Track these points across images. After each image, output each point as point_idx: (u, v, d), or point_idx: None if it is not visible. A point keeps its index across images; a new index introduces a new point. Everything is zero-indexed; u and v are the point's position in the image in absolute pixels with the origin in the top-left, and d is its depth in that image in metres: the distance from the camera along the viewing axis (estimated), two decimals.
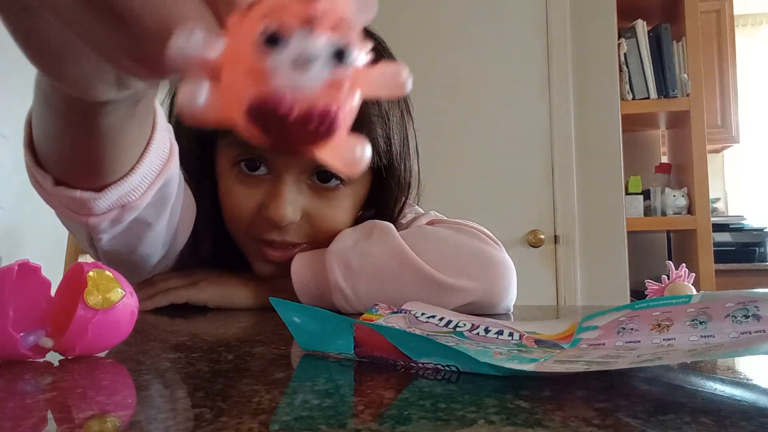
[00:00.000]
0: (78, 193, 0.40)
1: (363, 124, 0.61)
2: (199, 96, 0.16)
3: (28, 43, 0.24)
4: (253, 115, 0.16)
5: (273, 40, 0.16)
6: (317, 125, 0.16)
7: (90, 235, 0.46)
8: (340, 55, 0.16)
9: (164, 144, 0.43)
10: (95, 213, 0.42)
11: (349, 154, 0.18)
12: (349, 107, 0.17)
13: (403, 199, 0.70)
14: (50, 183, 0.40)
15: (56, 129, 0.36)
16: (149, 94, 0.35)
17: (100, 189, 0.40)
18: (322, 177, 0.63)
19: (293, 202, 0.61)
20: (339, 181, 0.63)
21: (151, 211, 0.47)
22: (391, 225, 0.63)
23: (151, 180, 0.43)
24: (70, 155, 0.38)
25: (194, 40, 0.16)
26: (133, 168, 0.40)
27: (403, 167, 0.67)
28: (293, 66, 0.16)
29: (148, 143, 0.40)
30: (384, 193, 0.68)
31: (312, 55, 0.16)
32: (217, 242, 0.67)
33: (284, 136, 0.16)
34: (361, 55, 0.17)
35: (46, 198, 0.42)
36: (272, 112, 0.16)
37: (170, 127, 0.45)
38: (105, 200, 0.40)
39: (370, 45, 0.17)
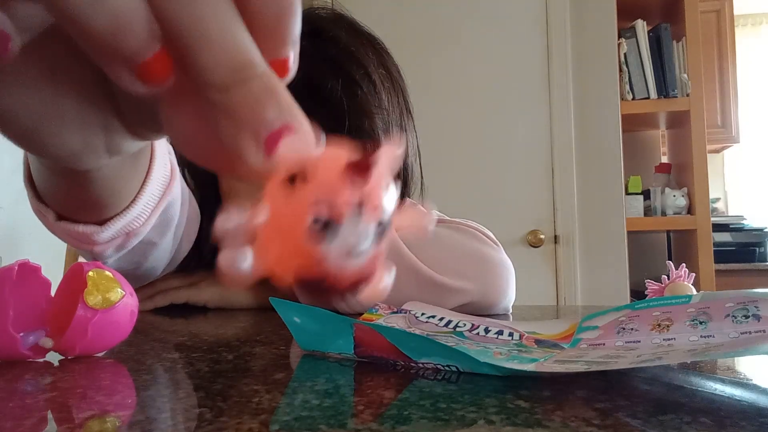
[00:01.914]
0: (80, 228, 0.39)
1: (364, 118, 0.61)
2: (242, 263, 0.16)
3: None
4: (302, 285, 0.17)
5: (325, 224, 0.16)
6: (358, 285, 0.18)
7: (94, 258, 0.46)
8: (380, 227, 0.17)
9: (165, 168, 0.42)
10: (99, 243, 0.41)
11: (381, 285, 0.19)
12: (384, 256, 0.18)
13: (405, 197, 0.70)
14: (52, 217, 0.39)
15: (49, 180, 0.35)
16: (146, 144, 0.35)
17: (102, 222, 0.39)
18: None
19: None
20: None
21: (155, 233, 0.46)
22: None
23: (154, 206, 0.42)
24: (67, 200, 0.37)
25: (237, 219, 0.16)
26: (134, 199, 0.40)
27: (404, 164, 0.68)
28: (344, 252, 0.16)
29: (148, 173, 0.39)
30: None
31: (362, 240, 0.17)
32: None
33: (328, 298, 0.18)
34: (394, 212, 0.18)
35: (49, 228, 0.42)
36: (320, 283, 0.17)
37: (170, 148, 0.44)
38: (108, 232, 0.40)
39: (396, 195, 0.18)
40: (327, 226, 0.16)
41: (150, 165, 0.39)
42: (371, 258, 0.17)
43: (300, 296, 0.16)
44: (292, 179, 0.16)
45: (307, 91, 0.58)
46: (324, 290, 0.17)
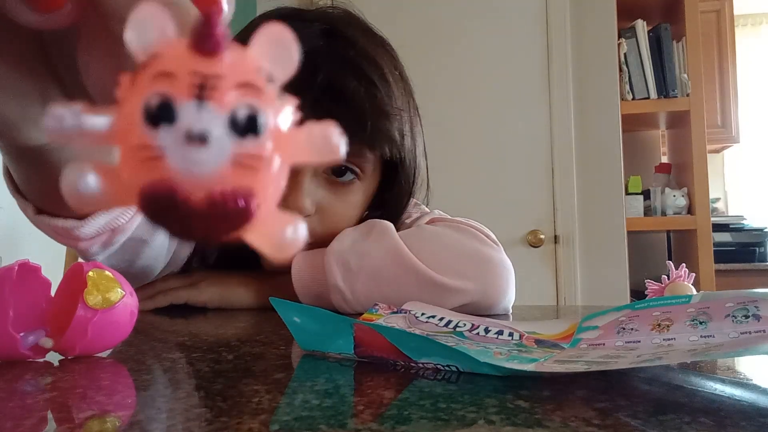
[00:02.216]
0: (60, 222, 0.38)
1: (384, 119, 0.62)
2: (83, 183, 0.14)
3: None
4: (147, 204, 0.13)
5: (162, 112, 0.13)
6: (225, 213, 0.13)
7: (83, 255, 0.45)
8: (244, 123, 0.13)
9: None
10: (82, 238, 0.41)
11: (279, 235, 0.15)
12: (268, 182, 0.14)
13: (410, 198, 0.71)
14: (31, 211, 0.38)
15: (17, 169, 0.34)
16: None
17: (83, 217, 0.38)
18: (337, 171, 0.63)
19: (311, 194, 0.61)
20: (353, 176, 0.63)
21: (145, 230, 0.46)
22: (391, 225, 0.63)
23: None
24: (39, 189, 0.36)
25: (70, 115, 0.14)
26: None
27: (413, 165, 0.68)
28: (186, 143, 0.13)
29: None
30: (392, 190, 0.69)
31: (204, 129, 0.13)
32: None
33: (186, 227, 0.14)
34: (280, 118, 0.14)
35: (32, 222, 0.41)
36: (168, 200, 0.13)
37: None
38: (90, 227, 0.39)
39: (291, 102, 0.15)
40: (165, 111, 0.13)
41: None
42: (235, 166, 0.13)
43: (150, 218, 0.14)
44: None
45: (330, 93, 0.59)
46: (173, 206, 0.13)
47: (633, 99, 1.86)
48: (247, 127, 0.13)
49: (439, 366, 0.29)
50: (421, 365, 0.29)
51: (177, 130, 0.13)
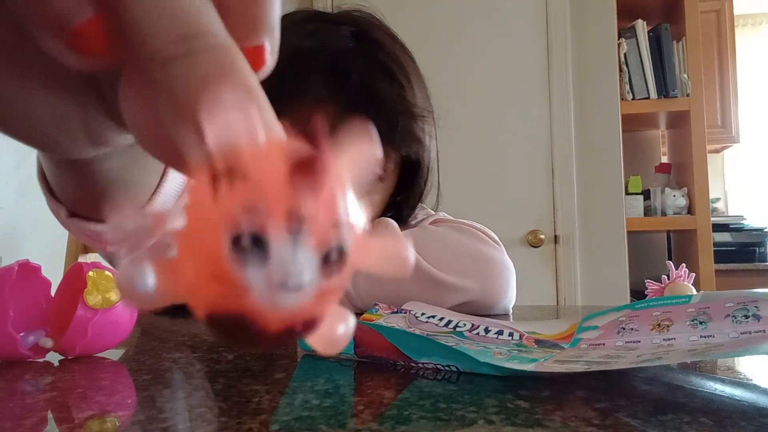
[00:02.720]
0: (92, 226, 0.39)
1: (412, 121, 0.64)
2: (141, 281, 0.13)
3: None
4: (213, 325, 0.13)
5: (253, 248, 0.12)
6: (296, 333, 0.13)
7: (109, 258, 0.46)
8: (334, 257, 0.12)
9: None
10: (112, 243, 0.41)
11: (331, 333, 0.15)
12: (336, 297, 0.13)
13: (421, 200, 0.72)
14: (64, 215, 0.39)
15: (54, 173, 0.34)
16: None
17: None
18: None
19: None
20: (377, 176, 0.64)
21: (171, 234, 0.46)
22: (395, 223, 0.63)
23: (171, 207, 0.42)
24: (75, 195, 0.37)
25: (136, 220, 0.13)
26: (150, 198, 0.39)
27: (429, 167, 0.70)
28: (274, 284, 0.12)
29: (166, 169, 0.38)
30: (407, 192, 0.70)
31: (300, 272, 0.12)
32: None
33: (253, 344, 0.13)
34: (358, 235, 0.13)
35: (63, 225, 0.41)
36: (240, 327, 0.12)
37: None
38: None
39: (366, 210, 0.14)
40: (254, 245, 0.12)
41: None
42: (316, 299, 0.12)
43: (214, 335, 0.14)
44: (225, 178, 0.12)
45: (363, 94, 0.60)
46: (243, 332, 0.12)
47: (633, 99, 1.87)
48: (335, 267, 0.13)
49: (439, 366, 0.29)
50: (421, 365, 0.29)
51: (269, 275, 0.12)
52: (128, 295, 0.13)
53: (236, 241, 0.12)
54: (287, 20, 0.68)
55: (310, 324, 0.13)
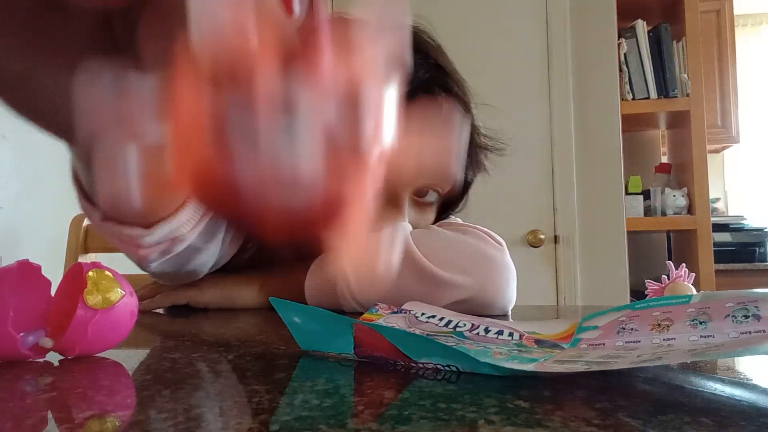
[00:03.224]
0: (126, 230, 0.39)
1: (474, 133, 0.67)
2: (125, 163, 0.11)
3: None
4: (202, 192, 0.10)
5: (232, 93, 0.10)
6: (309, 216, 0.10)
7: (140, 261, 0.46)
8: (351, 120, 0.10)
9: None
10: (144, 246, 0.41)
11: (371, 265, 0.12)
12: (366, 197, 0.11)
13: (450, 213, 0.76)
14: (98, 217, 0.39)
15: (87, 174, 0.34)
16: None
17: (149, 225, 0.39)
18: (419, 192, 0.67)
19: (408, 216, 0.65)
20: (435, 196, 0.68)
21: (201, 239, 0.46)
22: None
23: (202, 212, 0.42)
24: (110, 197, 0.37)
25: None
26: (183, 203, 0.39)
27: (467, 180, 0.73)
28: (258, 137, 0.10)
29: None
30: (449, 207, 0.74)
31: (293, 132, 0.10)
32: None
33: (242, 222, 0.11)
34: (387, 119, 0.11)
35: (97, 229, 0.41)
36: (226, 185, 0.10)
37: None
38: (154, 236, 0.40)
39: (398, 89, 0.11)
40: (234, 96, 0.10)
41: None
42: (330, 178, 0.10)
43: (214, 213, 0.12)
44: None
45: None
46: (236, 210, 0.10)
47: (633, 99, 1.87)
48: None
49: (439, 366, 0.29)
50: (421, 365, 0.29)
51: (250, 126, 0.10)
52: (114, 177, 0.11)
53: (217, 90, 0.10)
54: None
55: (329, 215, 0.10)
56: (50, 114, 0.21)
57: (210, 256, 0.52)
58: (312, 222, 0.11)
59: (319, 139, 0.10)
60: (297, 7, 0.15)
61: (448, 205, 0.74)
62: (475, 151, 0.68)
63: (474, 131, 0.68)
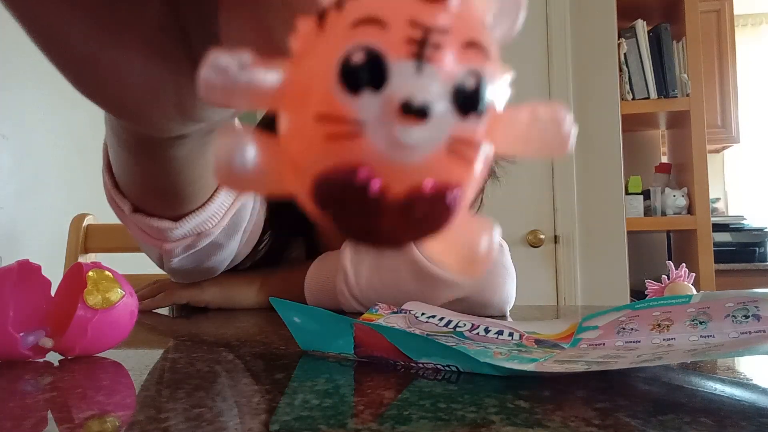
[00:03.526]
0: (155, 222, 0.39)
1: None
2: (240, 156, 0.10)
3: (76, 75, 0.20)
4: (322, 194, 0.10)
5: (368, 72, 0.09)
6: (425, 213, 0.10)
7: (162, 256, 0.46)
8: (469, 98, 0.10)
9: None
10: (170, 240, 0.41)
11: (470, 247, 0.12)
12: (476, 176, 0.11)
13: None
14: (128, 208, 0.39)
15: (127, 162, 0.34)
16: (224, 121, 0.29)
17: (177, 218, 0.39)
18: None
19: None
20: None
21: (224, 235, 0.46)
22: None
23: (227, 207, 0.42)
24: (144, 186, 0.36)
25: (236, 67, 0.10)
26: (211, 197, 0.39)
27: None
28: (393, 119, 0.09)
29: None
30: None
31: (427, 101, 0.09)
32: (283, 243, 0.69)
33: (371, 228, 0.10)
34: (500, 91, 0.11)
35: (122, 220, 0.41)
36: (353, 192, 0.10)
37: None
38: (182, 229, 0.40)
39: (509, 71, 0.11)
40: (368, 72, 0.09)
41: None
42: (450, 152, 0.10)
43: (324, 217, 0.11)
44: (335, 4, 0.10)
45: None
46: (359, 202, 0.10)
47: (633, 99, 1.87)
48: (471, 102, 0.10)
49: (439, 366, 0.29)
50: (421, 365, 0.29)
51: (388, 99, 0.09)
52: (224, 173, 0.10)
53: (348, 64, 0.09)
54: None
55: (443, 194, 0.10)
56: (116, 96, 0.21)
57: (229, 253, 0.53)
58: (428, 221, 0.10)
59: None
60: None
61: None
62: None
63: None
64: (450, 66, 0.10)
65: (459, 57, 0.10)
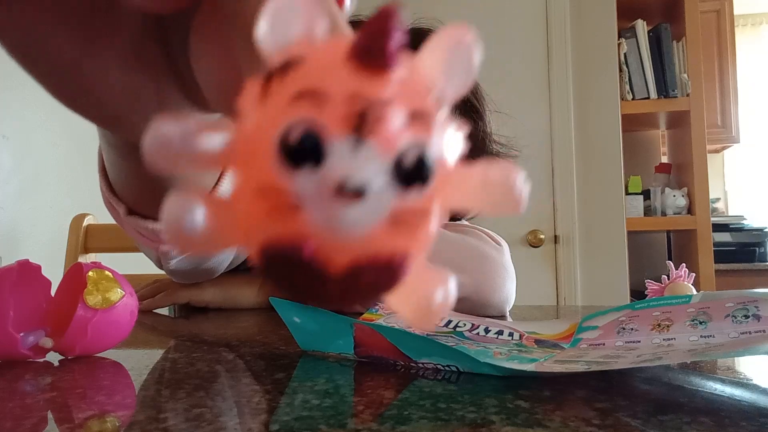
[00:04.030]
0: (151, 224, 0.39)
1: (488, 151, 0.67)
2: (190, 219, 0.10)
3: (56, 87, 0.20)
4: (267, 261, 0.10)
5: (306, 149, 0.09)
6: (371, 281, 0.10)
7: (159, 258, 0.46)
8: (411, 170, 0.10)
9: None
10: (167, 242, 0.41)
11: (425, 298, 0.12)
12: (427, 238, 0.11)
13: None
14: (123, 211, 0.39)
15: (120, 165, 0.34)
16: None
17: None
18: None
19: None
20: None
21: None
22: None
23: None
24: (138, 189, 0.36)
25: (179, 137, 0.10)
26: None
27: None
28: (331, 198, 0.09)
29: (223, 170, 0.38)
30: None
31: (364, 180, 0.09)
32: None
33: (316, 294, 0.11)
34: (449, 154, 0.11)
35: (119, 223, 0.41)
36: (297, 263, 0.10)
37: None
38: None
39: (462, 129, 0.11)
40: (307, 144, 0.09)
41: None
42: (393, 225, 0.10)
43: (272, 283, 0.11)
44: (278, 72, 0.10)
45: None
46: (303, 273, 0.10)
47: (633, 99, 1.87)
48: (414, 174, 0.10)
49: (439, 366, 0.29)
50: (421, 365, 0.29)
51: (324, 177, 0.09)
52: (173, 235, 0.11)
53: (286, 141, 0.09)
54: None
55: (388, 265, 0.10)
56: (96, 105, 0.21)
57: (228, 254, 0.53)
58: (373, 287, 0.11)
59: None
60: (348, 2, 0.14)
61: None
62: (488, 158, 0.68)
63: (486, 138, 0.67)
64: (391, 140, 0.10)
65: (401, 129, 0.10)
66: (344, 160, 0.09)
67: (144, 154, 0.10)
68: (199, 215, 0.10)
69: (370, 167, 0.10)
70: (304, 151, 0.09)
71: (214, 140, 0.10)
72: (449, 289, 0.12)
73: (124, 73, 0.20)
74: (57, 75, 0.19)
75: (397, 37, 0.10)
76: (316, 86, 0.10)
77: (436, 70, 0.11)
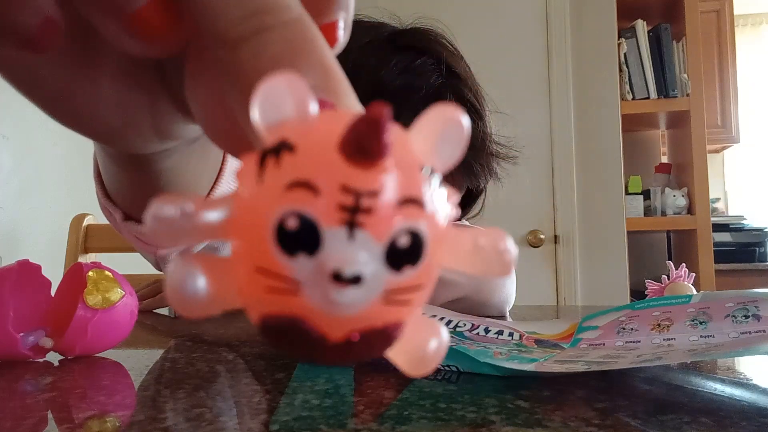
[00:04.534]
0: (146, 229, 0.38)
1: (489, 152, 0.68)
2: (192, 285, 0.11)
3: (42, 101, 0.20)
4: (266, 331, 0.11)
5: (302, 238, 0.10)
6: (366, 347, 0.11)
7: (157, 261, 0.46)
8: (403, 255, 0.10)
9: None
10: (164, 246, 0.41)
11: (420, 350, 0.12)
12: (419, 304, 0.12)
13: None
14: (119, 217, 0.39)
15: (115, 173, 0.33)
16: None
17: None
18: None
19: None
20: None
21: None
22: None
23: None
24: (133, 195, 0.36)
25: (180, 217, 0.11)
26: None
27: (480, 188, 0.73)
28: (327, 283, 0.10)
29: (220, 172, 0.36)
30: (464, 212, 0.74)
31: (358, 269, 0.10)
32: None
33: (315, 360, 0.11)
34: (441, 224, 0.11)
35: (116, 229, 0.41)
36: (295, 335, 0.11)
37: None
38: None
39: (452, 198, 0.12)
40: (303, 230, 0.10)
41: (222, 164, 0.36)
42: (387, 300, 0.11)
43: (270, 344, 0.12)
44: (273, 156, 0.10)
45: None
46: (300, 340, 0.11)
47: (633, 99, 1.87)
48: (406, 259, 0.11)
49: (439, 366, 0.29)
50: None
51: (320, 266, 0.10)
52: (176, 301, 0.11)
53: (283, 226, 0.10)
54: (360, 35, 0.67)
55: (383, 333, 0.11)
56: (91, 124, 0.21)
57: (225, 254, 0.53)
58: (368, 353, 0.11)
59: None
60: (341, 34, 0.15)
61: (464, 208, 0.75)
62: (488, 158, 0.67)
63: (487, 139, 0.67)
64: (382, 229, 0.10)
65: (393, 216, 0.10)
66: (339, 248, 0.10)
67: (146, 234, 0.11)
68: (200, 283, 0.11)
69: (364, 255, 0.10)
70: (300, 238, 0.10)
71: (213, 216, 0.11)
72: (442, 338, 0.13)
73: (118, 94, 0.20)
74: (49, 101, 0.20)
75: (387, 137, 0.10)
76: (308, 177, 0.10)
77: (427, 146, 0.11)
